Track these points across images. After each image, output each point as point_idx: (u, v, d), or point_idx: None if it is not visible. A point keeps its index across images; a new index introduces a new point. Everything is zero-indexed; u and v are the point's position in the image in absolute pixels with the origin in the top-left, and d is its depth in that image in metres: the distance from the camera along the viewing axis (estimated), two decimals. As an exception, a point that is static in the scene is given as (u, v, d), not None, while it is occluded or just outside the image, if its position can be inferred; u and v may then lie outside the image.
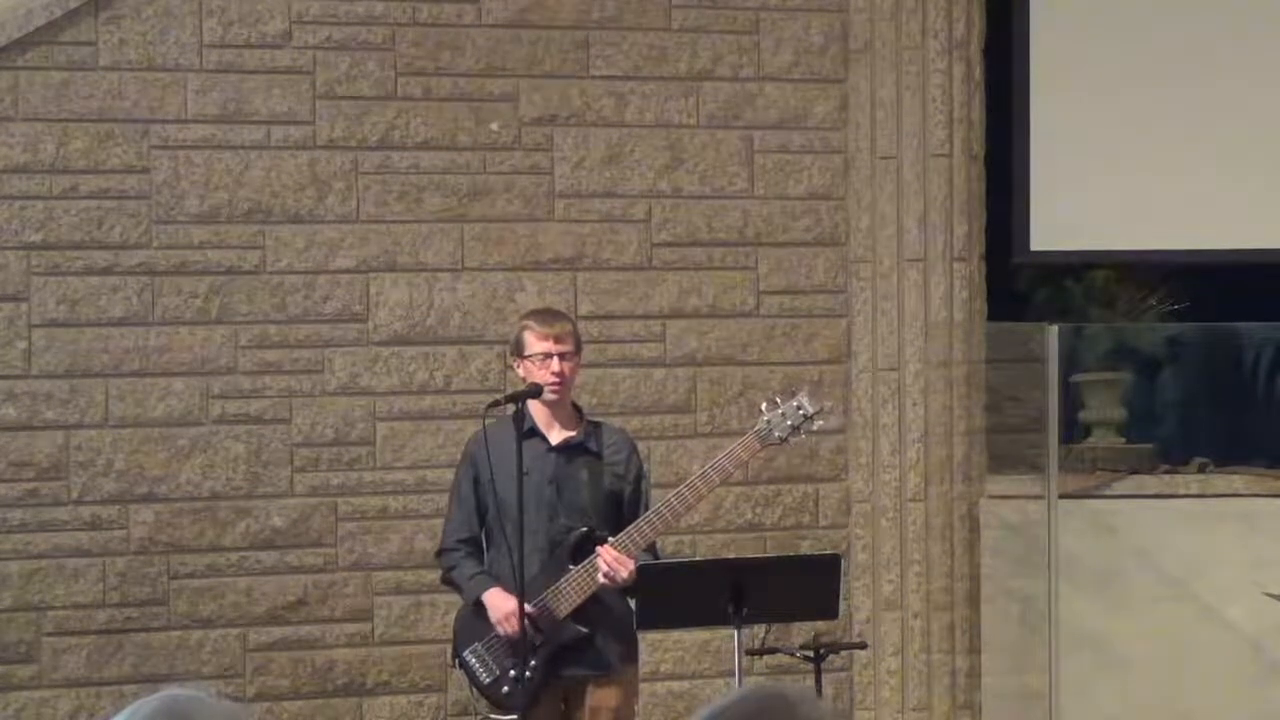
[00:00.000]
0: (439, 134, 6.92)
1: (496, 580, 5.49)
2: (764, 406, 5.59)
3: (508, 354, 5.95)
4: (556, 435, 5.61)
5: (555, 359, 5.52)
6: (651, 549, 5.57)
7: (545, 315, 5.72)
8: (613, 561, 5.37)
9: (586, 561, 5.45)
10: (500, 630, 5.44)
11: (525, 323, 5.65)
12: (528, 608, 5.38)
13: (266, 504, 6.77)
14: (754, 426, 5.56)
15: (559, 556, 5.50)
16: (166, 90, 6.69)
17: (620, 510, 5.58)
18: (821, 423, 5.63)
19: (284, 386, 6.79)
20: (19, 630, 6.57)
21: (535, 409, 5.58)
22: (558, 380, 5.53)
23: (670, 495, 5.52)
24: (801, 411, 5.52)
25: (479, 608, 5.53)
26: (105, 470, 6.63)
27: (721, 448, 5.73)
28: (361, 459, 6.84)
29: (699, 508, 6.17)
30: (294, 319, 6.80)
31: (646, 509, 5.55)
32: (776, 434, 5.51)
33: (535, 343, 5.56)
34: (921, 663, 7.26)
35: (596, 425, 5.72)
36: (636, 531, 5.42)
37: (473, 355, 6.93)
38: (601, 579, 5.40)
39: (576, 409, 5.72)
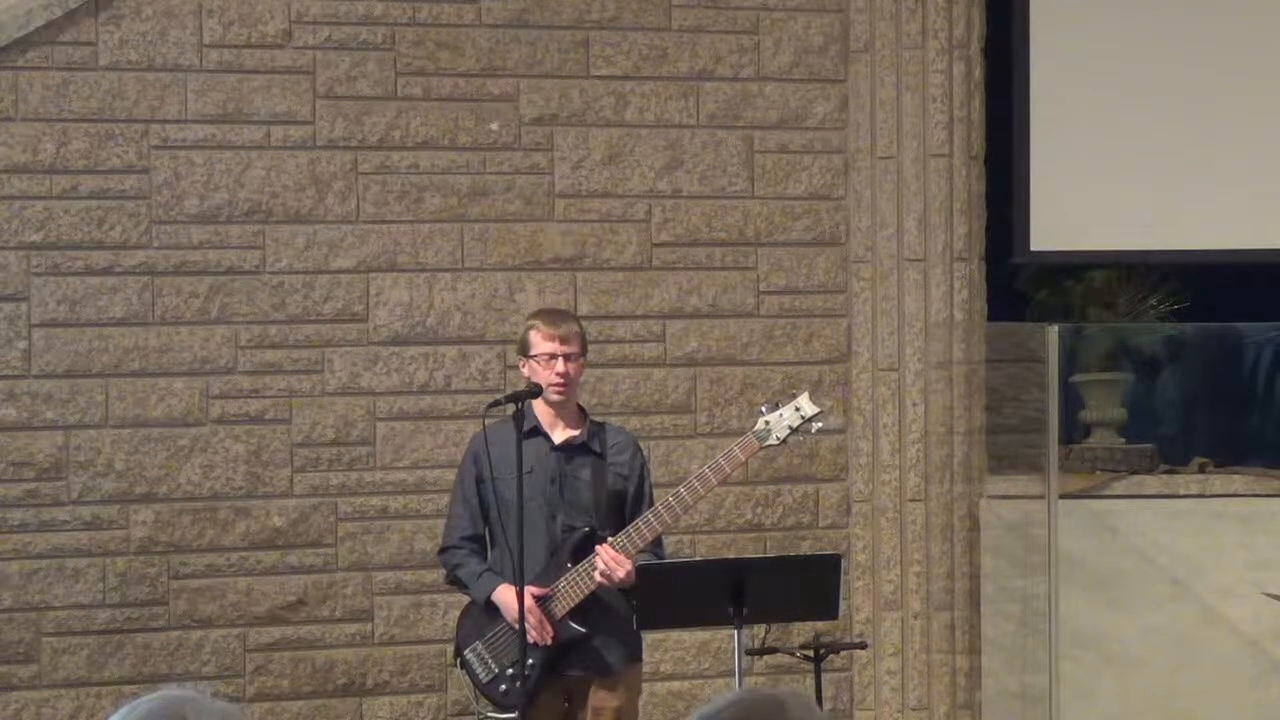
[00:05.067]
0: (439, 134, 6.92)
1: (503, 577, 5.50)
2: (764, 408, 5.59)
3: (515, 353, 5.94)
4: (560, 434, 5.61)
5: (560, 360, 5.53)
6: (658, 546, 5.57)
7: (552, 316, 5.73)
8: (610, 560, 5.38)
9: (585, 561, 5.45)
10: (527, 627, 5.41)
11: (532, 323, 5.66)
12: (538, 606, 5.41)
13: (266, 504, 6.77)
14: (753, 428, 5.56)
15: (560, 556, 5.51)
16: (166, 90, 6.70)
17: (623, 510, 5.59)
18: (820, 425, 5.63)
19: (284, 386, 6.79)
20: (19, 630, 6.57)
21: (539, 408, 5.59)
22: (562, 381, 5.54)
23: (669, 495, 5.52)
24: (801, 413, 5.52)
25: (486, 606, 5.53)
26: (105, 470, 6.63)
27: (721, 448, 5.73)
28: (361, 459, 6.84)
29: (698, 507, 6.17)
30: (294, 319, 6.80)
31: (650, 508, 5.56)
32: (775, 435, 5.51)
33: (541, 343, 5.56)
34: (921, 663, 7.26)
35: (600, 425, 5.73)
36: (635, 532, 5.43)
37: (473, 355, 6.93)
38: (599, 578, 5.41)
39: (581, 409, 5.73)
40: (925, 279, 7.27)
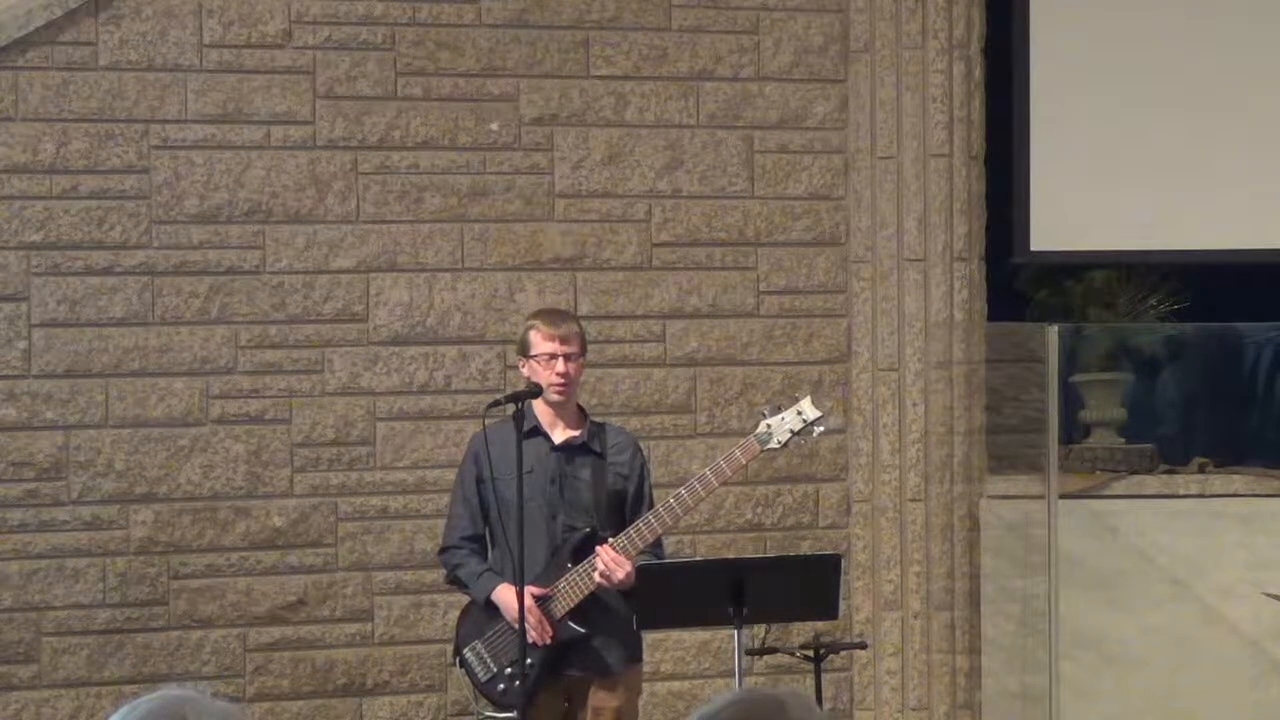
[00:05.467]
0: (439, 134, 6.92)
1: (503, 577, 5.50)
2: (766, 410, 5.59)
3: (515, 353, 5.94)
4: (560, 435, 5.61)
5: (560, 360, 5.53)
6: (658, 546, 5.57)
7: (551, 316, 5.73)
8: (610, 561, 5.38)
9: (585, 562, 5.45)
10: (527, 627, 5.41)
11: (531, 323, 5.66)
12: (537, 606, 5.41)
13: (266, 504, 6.77)
14: (755, 430, 5.55)
15: (561, 556, 5.51)
16: (166, 90, 6.70)
17: (623, 510, 5.59)
18: (821, 429, 5.63)
19: (284, 386, 6.79)
20: (19, 630, 6.57)
21: (540, 408, 5.59)
22: (563, 381, 5.54)
23: (670, 497, 5.52)
24: (803, 417, 5.52)
25: (486, 605, 5.54)
26: (105, 470, 6.63)
27: (721, 448, 5.73)
28: (361, 459, 6.84)
29: (698, 508, 6.16)
30: (294, 319, 6.80)
31: (650, 509, 5.56)
32: (777, 439, 5.51)
33: (541, 343, 5.57)
34: (921, 663, 7.26)
35: (600, 426, 5.73)
36: (635, 533, 5.43)
37: (473, 355, 6.93)
38: (598, 578, 5.41)
39: (581, 409, 5.73)
40: (925, 279, 7.27)
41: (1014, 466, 7.57)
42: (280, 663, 6.78)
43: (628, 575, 5.38)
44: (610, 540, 5.43)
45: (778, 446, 5.55)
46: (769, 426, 5.52)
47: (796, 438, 5.55)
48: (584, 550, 5.48)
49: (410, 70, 6.90)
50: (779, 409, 5.57)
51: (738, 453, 5.52)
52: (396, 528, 6.86)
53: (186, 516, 6.69)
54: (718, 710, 2.28)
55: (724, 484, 5.74)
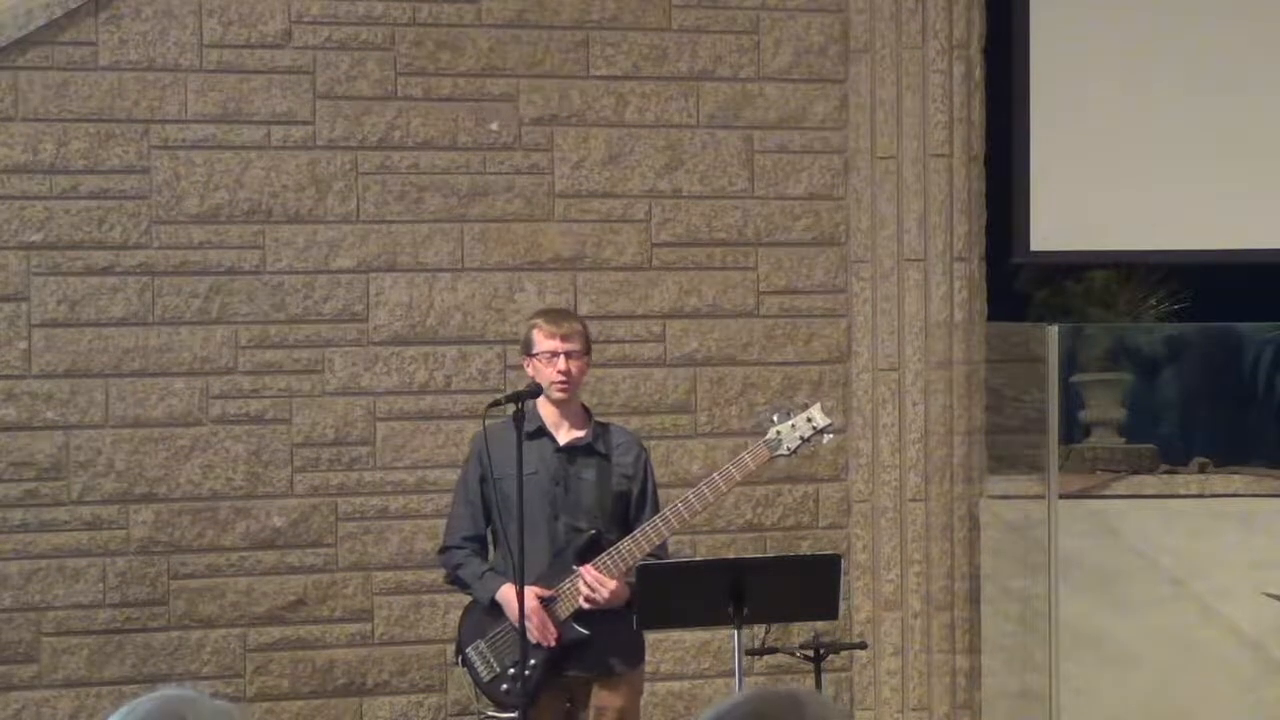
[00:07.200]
0: (439, 134, 6.92)
1: (505, 577, 5.49)
2: (775, 416, 5.58)
3: (518, 353, 5.93)
4: (564, 435, 5.61)
5: (562, 358, 5.53)
6: (661, 546, 5.56)
7: (554, 314, 5.75)
8: (591, 581, 5.39)
9: (576, 573, 5.45)
10: (529, 628, 5.41)
11: (534, 321, 5.67)
12: (541, 607, 5.41)
13: (266, 504, 6.77)
14: (764, 437, 5.55)
15: (565, 558, 5.51)
16: (166, 90, 6.70)
17: (627, 512, 5.59)
18: (831, 436, 5.64)
19: (284, 386, 6.79)
20: (19, 630, 6.57)
21: (544, 408, 5.59)
22: (564, 379, 5.54)
23: (678, 501, 5.50)
24: (813, 424, 5.53)
25: (490, 605, 5.53)
26: (105, 470, 6.63)
27: (721, 448, 5.73)
28: (361, 459, 6.84)
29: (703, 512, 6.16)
30: (294, 319, 6.80)
31: (654, 510, 5.56)
32: (786, 446, 5.52)
33: (543, 341, 5.57)
34: (921, 663, 7.26)
35: (605, 426, 5.72)
36: (626, 550, 5.42)
37: (473, 355, 6.93)
38: (583, 603, 5.41)
39: (585, 410, 5.73)
40: (925, 279, 7.27)
41: (1014, 466, 7.57)
42: (280, 663, 6.77)
43: (613, 594, 5.39)
44: (598, 558, 5.43)
45: (787, 454, 5.56)
46: (779, 433, 5.52)
47: (806, 444, 5.56)
48: (589, 552, 5.49)
49: (410, 70, 6.90)
50: (788, 414, 5.57)
51: (747, 458, 5.53)
52: (396, 528, 6.86)
53: (186, 516, 6.69)
54: (732, 707, 2.25)
55: (731, 489, 5.74)
